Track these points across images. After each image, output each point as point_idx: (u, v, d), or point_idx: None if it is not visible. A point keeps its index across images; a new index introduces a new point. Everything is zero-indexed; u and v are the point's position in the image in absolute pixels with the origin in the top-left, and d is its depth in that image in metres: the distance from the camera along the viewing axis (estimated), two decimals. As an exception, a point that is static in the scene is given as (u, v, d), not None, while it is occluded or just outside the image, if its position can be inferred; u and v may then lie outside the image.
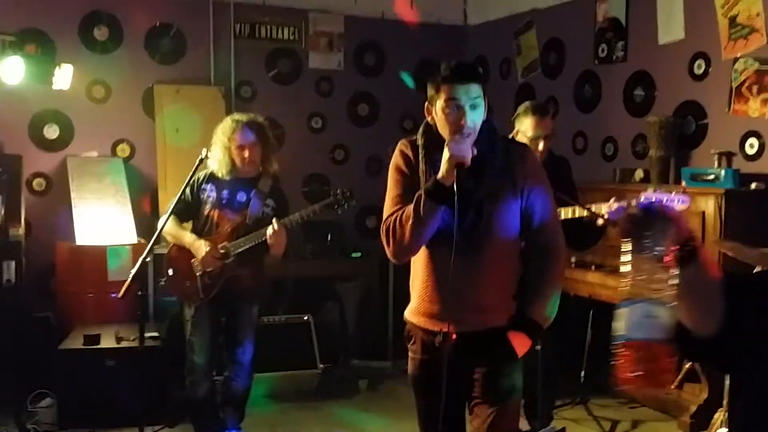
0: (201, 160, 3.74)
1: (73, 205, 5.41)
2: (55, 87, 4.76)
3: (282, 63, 6.41)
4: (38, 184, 5.68)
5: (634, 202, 3.45)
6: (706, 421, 4.13)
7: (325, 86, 6.56)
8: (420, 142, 2.61)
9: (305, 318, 5.30)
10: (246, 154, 3.87)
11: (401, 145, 2.68)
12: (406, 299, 5.49)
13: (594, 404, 4.81)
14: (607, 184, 5.08)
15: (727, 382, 3.66)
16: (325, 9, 6.45)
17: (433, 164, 2.51)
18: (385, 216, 2.60)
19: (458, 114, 2.46)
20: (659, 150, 4.78)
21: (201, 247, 3.84)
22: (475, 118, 2.46)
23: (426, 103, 2.59)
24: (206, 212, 3.94)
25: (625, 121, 5.27)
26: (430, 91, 2.54)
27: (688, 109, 4.81)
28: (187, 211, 3.98)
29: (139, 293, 3.30)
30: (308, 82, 6.50)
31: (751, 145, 4.44)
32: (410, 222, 2.46)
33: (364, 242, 6.47)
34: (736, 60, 4.48)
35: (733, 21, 4.48)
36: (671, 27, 4.86)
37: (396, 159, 2.67)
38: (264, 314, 4.22)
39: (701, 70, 4.72)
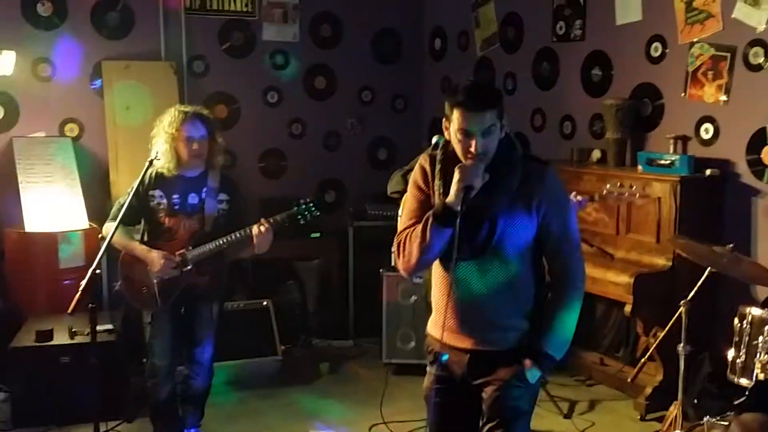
0: (150, 162, 3.63)
1: (20, 189, 5.25)
2: (-4, 74, 4.56)
3: (235, 36, 6.24)
4: (-16, 167, 5.49)
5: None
6: (661, 403, 4.23)
7: (281, 59, 6.40)
8: (438, 157, 2.60)
9: (264, 303, 5.26)
10: (195, 146, 3.74)
11: (422, 159, 2.69)
12: (367, 277, 5.54)
13: (552, 383, 4.85)
14: (566, 165, 5.07)
15: (682, 365, 3.76)
16: (278, -21, 6.27)
17: (448, 181, 2.52)
18: (399, 229, 2.65)
19: (469, 141, 2.46)
20: (616, 132, 4.78)
21: (155, 259, 3.73)
22: (489, 143, 2.47)
23: (444, 119, 2.56)
24: (160, 220, 3.80)
25: (582, 100, 5.25)
26: (447, 110, 2.51)
27: (645, 92, 4.80)
28: (135, 216, 3.84)
29: (90, 305, 3.21)
30: (263, 55, 6.34)
31: (706, 130, 4.46)
32: (417, 241, 2.52)
33: (323, 220, 6.38)
34: (692, 44, 4.47)
35: (689, 5, 4.44)
36: (629, 8, 4.81)
37: (415, 173, 2.69)
38: (222, 309, 4.16)
39: (658, 53, 4.69)
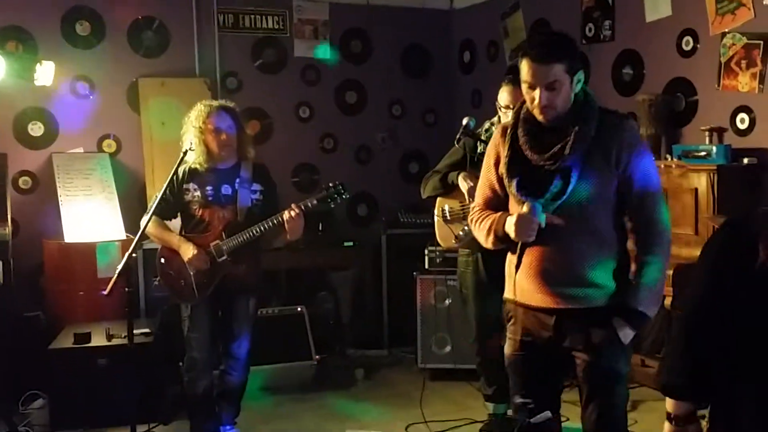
0: (185, 153, 3.69)
1: (60, 203, 5.35)
2: (37, 83, 4.68)
3: (267, 53, 6.34)
4: (24, 182, 5.61)
5: None
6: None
7: (312, 75, 6.49)
8: (511, 120, 2.63)
9: (299, 309, 5.26)
10: (223, 137, 3.79)
11: (497, 129, 2.72)
12: (401, 286, 5.51)
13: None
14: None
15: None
16: (309, -3, 6.38)
17: (515, 147, 2.56)
18: (474, 201, 2.80)
19: (533, 93, 2.47)
20: (649, 128, 4.73)
21: (188, 250, 3.77)
22: (553, 97, 2.45)
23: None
24: (194, 212, 3.85)
25: (614, 100, 5.21)
26: (519, 62, 2.53)
27: (678, 86, 4.77)
28: (170, 210, 3.91)
29: (127, 289, 3.24)
30: (294, 71, 6.43)
31: (742, 120, 4.41)
32: (482, 238, 2.70)
33: (356, 231, 6.44)
34: (724, 35, 4.44)
35: (720, -4, 4.43)
36: (658, 4, 4.81)
37: (489, 148, 2.74)
38: (259, 306, 4.17)
39: (689, 47, 4.68)
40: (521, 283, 2.62)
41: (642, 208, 2.54)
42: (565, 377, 2.74)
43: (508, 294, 2.70)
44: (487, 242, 2.65)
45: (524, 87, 2.49)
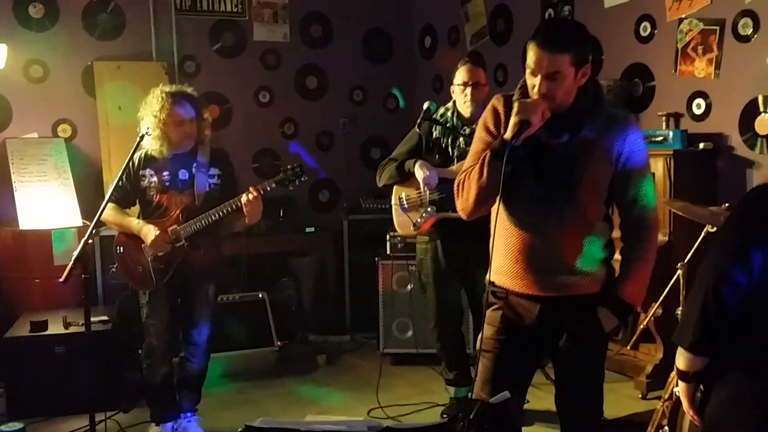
0: (142, 137, 3.62)
1: (14, 189, 5.24)
2: (-12, 67, 4.57)
3: (226, 36, 6.26)
4: (-23, 168, 5.48)
5: None
6: (663, 380, 4.18)
7: (272, 59, 6.43)
8: (515, 96, 2.48)
9: (260, 296, 5.22)
10: (186, 129, 3.73)
11: (494, 99, 2.58)
12: (363, 271, 5.51)
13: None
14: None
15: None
16: (268, -21, 6.31)
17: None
18: (462, 169, 2.58)
19: (533, 80, 2.38)
20: (608, 113, 4.78)
21: (150, 232, 3.71)
22: (553, 87, 2.35)
23: None
24: (151, 198, 3.79)
25: (573, 85, 5.26)
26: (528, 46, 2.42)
27: (636, 72, 4.82)
28: (128, 197, 3.84)
29: (84, 276, 3.18)
30: (254, 55, 6.36)
31: (698, 106, 4.47)
32: (475, 178, 2.46)
33: (317, 217, 6.42)
34: (681, 21, 4.50)
35: (677, -18, 4.48)
36: (617, -11, 4.85)
37: (485, 114, 2.58)
38: (219, 293, 4.13)
39: (647, 32, 4.73)
40: (504, 267, 2.55)
41: (635, 205, 2.52)
42: (538, 365, 2.73)
43: (497, 279, 2.60)
44: (478, 184, 2.46)
45: (527, 71, 2.40)
